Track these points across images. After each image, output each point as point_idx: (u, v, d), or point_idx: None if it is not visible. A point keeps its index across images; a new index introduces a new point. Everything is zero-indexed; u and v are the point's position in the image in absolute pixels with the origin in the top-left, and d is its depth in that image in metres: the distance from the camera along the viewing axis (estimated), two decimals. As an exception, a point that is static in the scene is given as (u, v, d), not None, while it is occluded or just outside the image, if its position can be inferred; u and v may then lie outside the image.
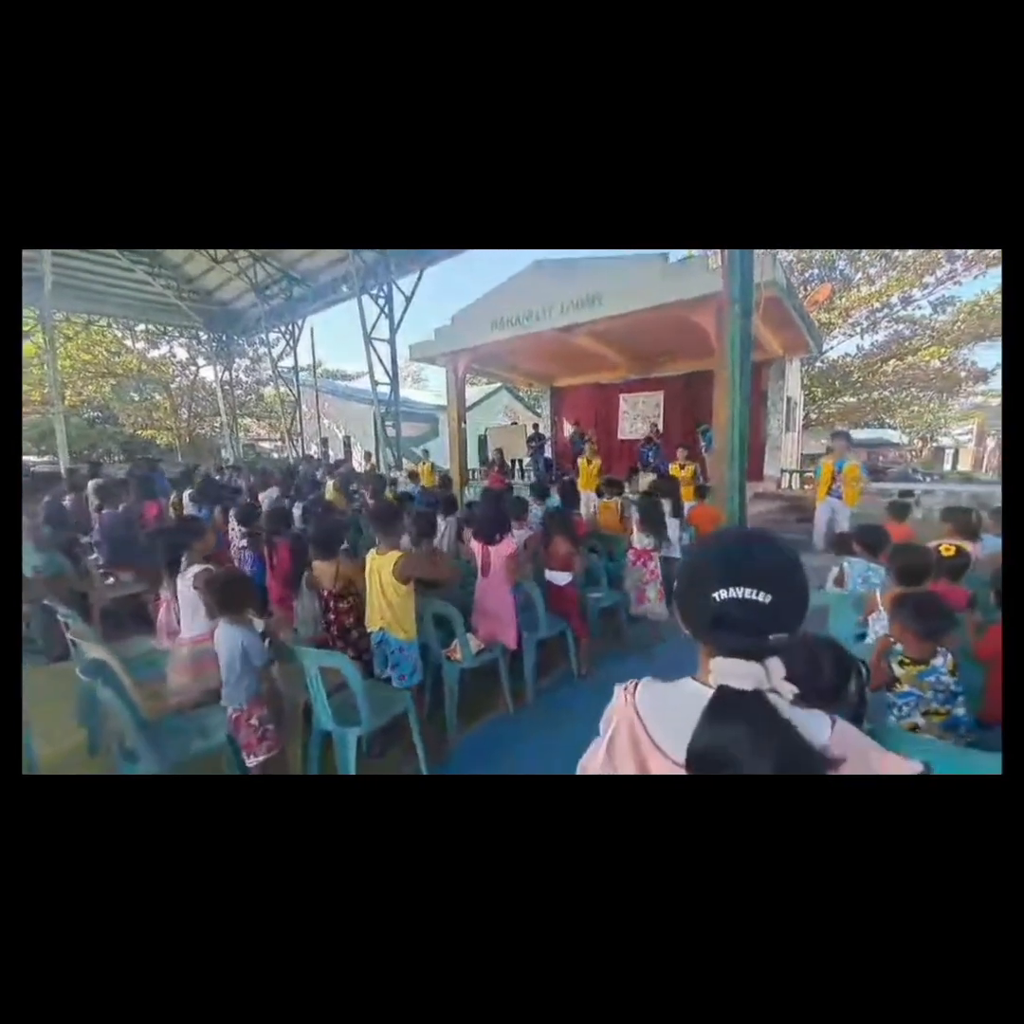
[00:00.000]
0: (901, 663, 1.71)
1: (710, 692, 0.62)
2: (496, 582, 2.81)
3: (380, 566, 2.32)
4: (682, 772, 0.64)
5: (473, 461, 12.55)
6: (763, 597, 0.61)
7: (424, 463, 10.06)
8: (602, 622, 3.79)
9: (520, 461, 12.03)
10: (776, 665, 0.59)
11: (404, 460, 11.73)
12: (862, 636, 2.22)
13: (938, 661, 1.65)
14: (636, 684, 0.75)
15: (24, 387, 17.75)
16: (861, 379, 19.48)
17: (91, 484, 6.09)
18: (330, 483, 7.37)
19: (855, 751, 0.64)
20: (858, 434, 16.45)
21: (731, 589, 0.62)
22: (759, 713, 0.58)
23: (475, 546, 2.93)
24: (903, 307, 17.77)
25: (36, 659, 3.77)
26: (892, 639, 1.75)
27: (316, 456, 12.51)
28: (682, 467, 6.48)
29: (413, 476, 8.13)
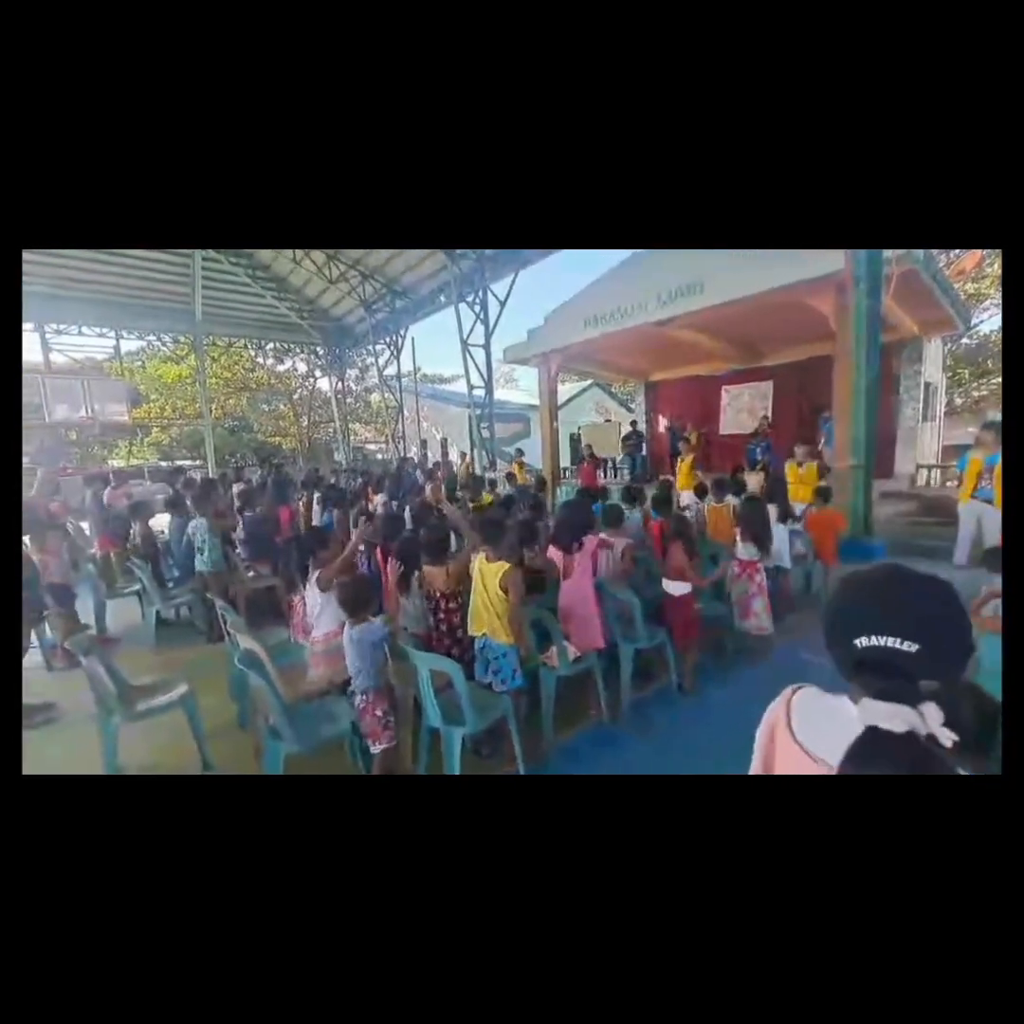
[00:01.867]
0: None
1: (855, 712, 0.63)
2: (577, 583, 2.82)
3: (488, 574, 2.42)
4: (816, 769, 0.66)
5: (566, 460, 12.54)
6: (909, 646, 0.59)
7: (515, 462, 10.25)
8: (705, 634, 3.62)
9: (613, 460, 11.80)
10: (933, 710, 0.57)
11: (498, 461, 12.06)
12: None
13: None
14: (800, 688, 0.78)
15: (180, 403, 20.94)
16: None
17: (234, 488, 7.03)
18: (429, 487, 7.79)
19: None
20: (1020, 419, 13.88)
21: (873, 637, 0.61)
22: (912, 758, 0.57)
23: (552, 552, 2.94)
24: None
25: (198, 639, 4.50)
26: None
27: (415, 457, 13.27)
28: (801, 465, 5.88)
29: (511, 478, 8.31)
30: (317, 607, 2.62)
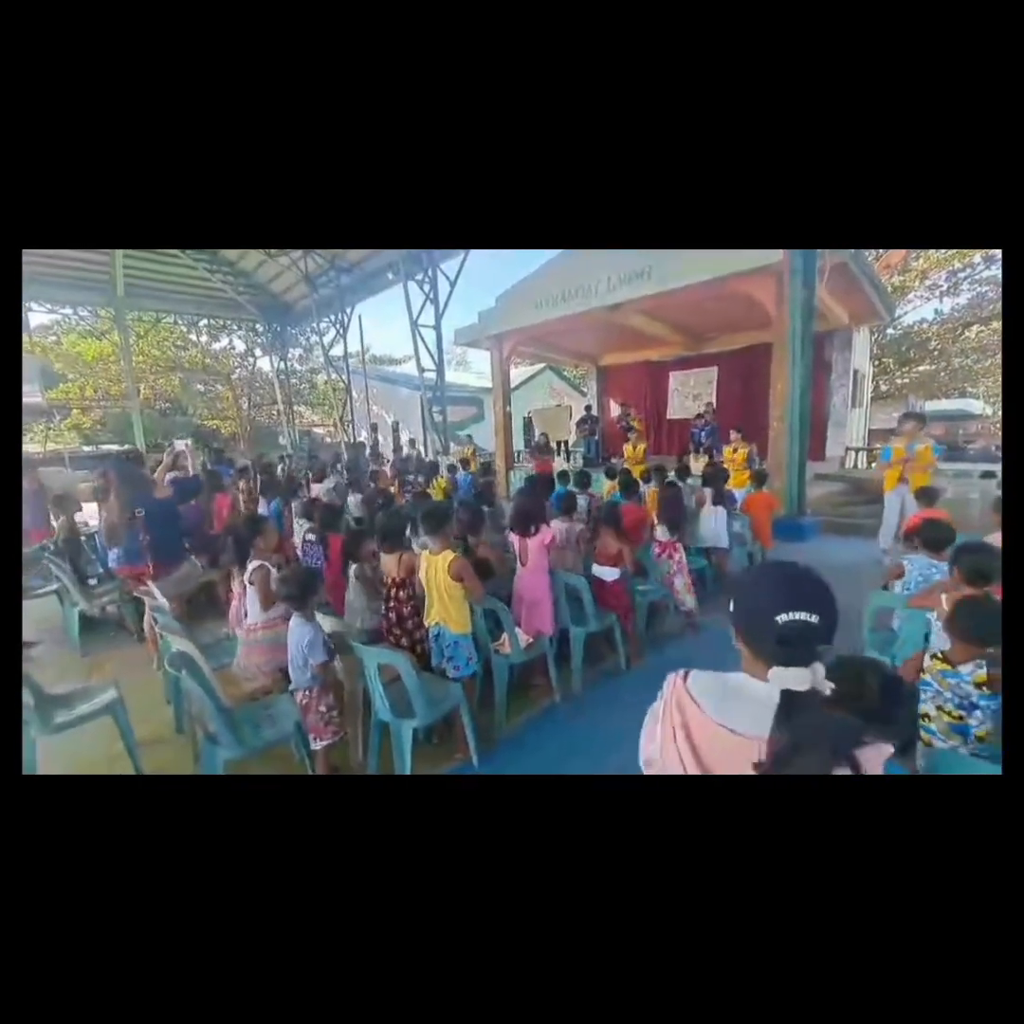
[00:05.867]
0: (933, 657, 1.71)
1: (765, 686, 0.75)
2: (532, 571, 2.87)
3: (436, 566, 2.41)
4: (747, 745, 0.74)
5: (518, 443, 12.53)
6: (814, 618, 0.73)
7: (468, 448, 10.14)
8: (652, 614, 3.77)
9: (565, 443, 11.88)
10: (820, 668, 0.73)
11: (452, 444, 11.88)
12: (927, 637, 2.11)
13: (966, 668, 1.61)
14: (687, 673, 0.89)
15: (103, 383, 19.28)
16: (940, 346, 17.83)
17: (168, 477, 6.55)
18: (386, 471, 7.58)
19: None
20: (936, 405, 15.12)
21: (792, 613, 0.73)
22: (820, 709, 0.72)
23: (512, 537, 2.98)
24: (987, 266, 15.96)
25: (128, 639, 4.21)
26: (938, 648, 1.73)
27: (366, 441, 12.87)
28: (735, 451, 6.18)
29: (465, 463, 8.20)
30: (250, 597, 2.52)
